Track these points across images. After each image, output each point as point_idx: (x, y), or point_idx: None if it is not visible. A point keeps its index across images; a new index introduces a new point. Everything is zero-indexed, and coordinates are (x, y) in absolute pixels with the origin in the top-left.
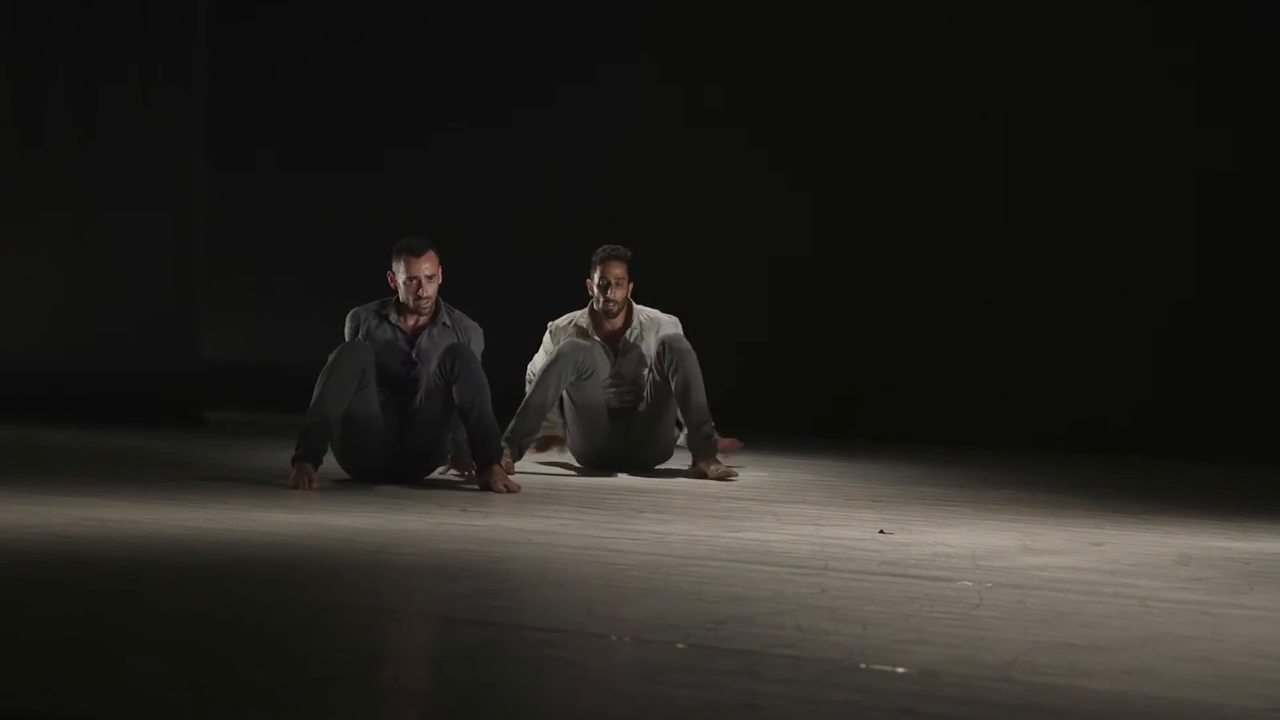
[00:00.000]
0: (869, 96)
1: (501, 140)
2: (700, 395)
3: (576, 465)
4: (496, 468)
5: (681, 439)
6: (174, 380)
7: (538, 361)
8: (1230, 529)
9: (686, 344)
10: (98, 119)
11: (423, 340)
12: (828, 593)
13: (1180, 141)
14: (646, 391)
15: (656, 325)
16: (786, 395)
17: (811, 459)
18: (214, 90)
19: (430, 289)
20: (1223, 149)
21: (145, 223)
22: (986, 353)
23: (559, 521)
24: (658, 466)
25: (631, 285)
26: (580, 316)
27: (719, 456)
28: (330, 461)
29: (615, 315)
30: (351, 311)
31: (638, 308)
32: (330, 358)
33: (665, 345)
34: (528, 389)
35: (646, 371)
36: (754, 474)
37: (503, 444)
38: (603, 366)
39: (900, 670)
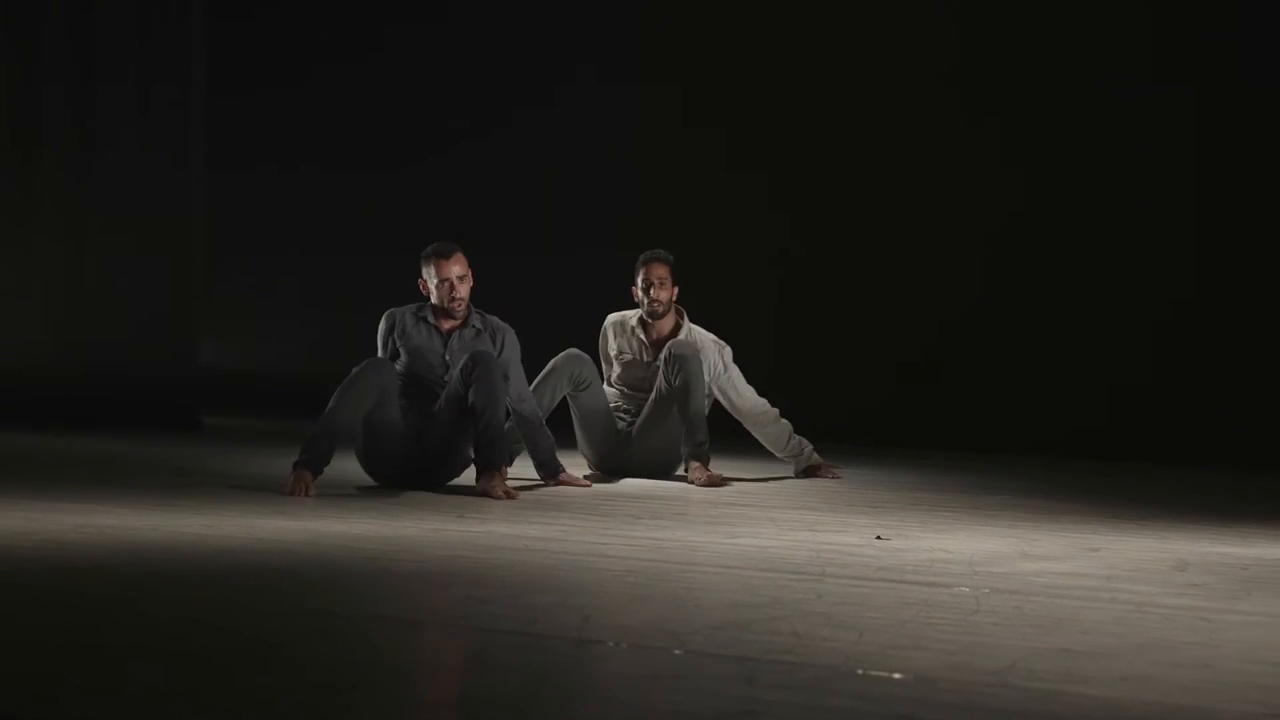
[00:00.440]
0: (866, 99)
1: (503, 144)
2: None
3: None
4: (496, 474)
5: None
6: (172, 386)
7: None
8: (1228, 534)
9: (694, 351)
10: (96, 122)
11: (454, 342)
12: (825, 599)
13: (1179, 142)
14: (650, 398)
15: (703, 343)
16: (782, 401)
17: None
18: (211, 94)
19: (463, 290)
20: (1220, 150)
21: (143, 227)
22: (984, 357)
23: (556, 528)
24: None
25: (675, 289)
26: (633, 316)
27: (818, 471)
28: (330, 470)
29: (661, 316)
30: (387, 311)
31: (692, 326)
32: (354, 370)
33: (670, 350)
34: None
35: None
36: (751, 480)
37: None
38: (637, 365)
39: (897, 676)
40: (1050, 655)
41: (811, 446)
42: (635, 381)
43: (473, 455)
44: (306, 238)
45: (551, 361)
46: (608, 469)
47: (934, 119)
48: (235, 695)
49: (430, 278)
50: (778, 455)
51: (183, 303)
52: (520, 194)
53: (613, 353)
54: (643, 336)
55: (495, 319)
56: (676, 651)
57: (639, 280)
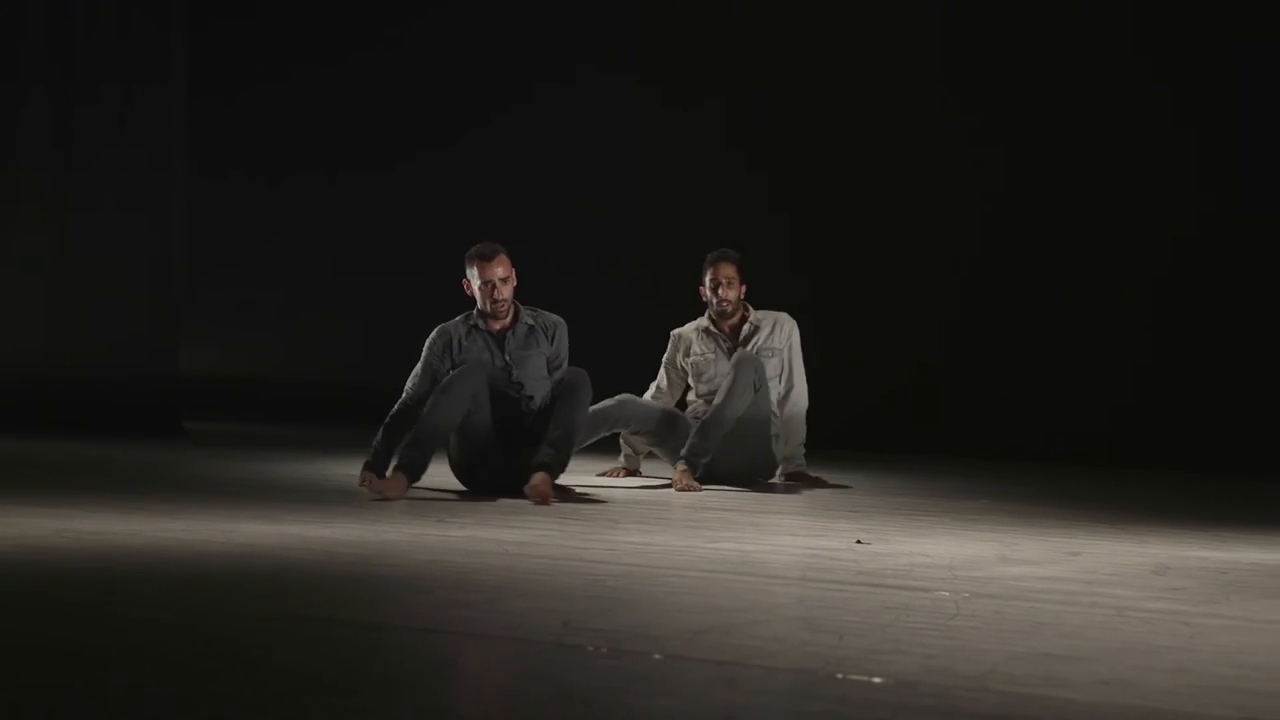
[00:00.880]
0: (856, 105)
1: (482, 150)
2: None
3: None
4: (545, 477)
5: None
6: (153, 390)
7: (663, 376)
8: (1207, 539)
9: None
10: (76, 125)
11: (509, 343)
12: (805, 603)
13: (1180, 141)
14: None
15: (774, 320)
16: None
17: None
18: (193, 102)
19: (505, 291)
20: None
21: (124, 234)
22: (965, 363)
23: (536, 532)
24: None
25: (744, 288)
26: (701, 321)
27: (804, 479)
28: (311, 473)
29: (731, 315)
30: (439, 328)
31: (754, 310)
32: (445, 381)
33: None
34: (650, 395)
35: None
36: (732, 485)
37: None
38: (723, 366)
39: (877, 680)
40: (1030, 659)
41: (804, 453)
42: (721, 372)
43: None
44: (287, 241)
45: (603, 405)
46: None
47: (913, 130)
48: (218, 700)
49: (474, 279)
50: (779, 451)
51: (163, 306)
52: (505, 203)
53: (691, 361)
54: (719, 336)
55: (547, 314)
56: (657, 656)
57: (706, 279)
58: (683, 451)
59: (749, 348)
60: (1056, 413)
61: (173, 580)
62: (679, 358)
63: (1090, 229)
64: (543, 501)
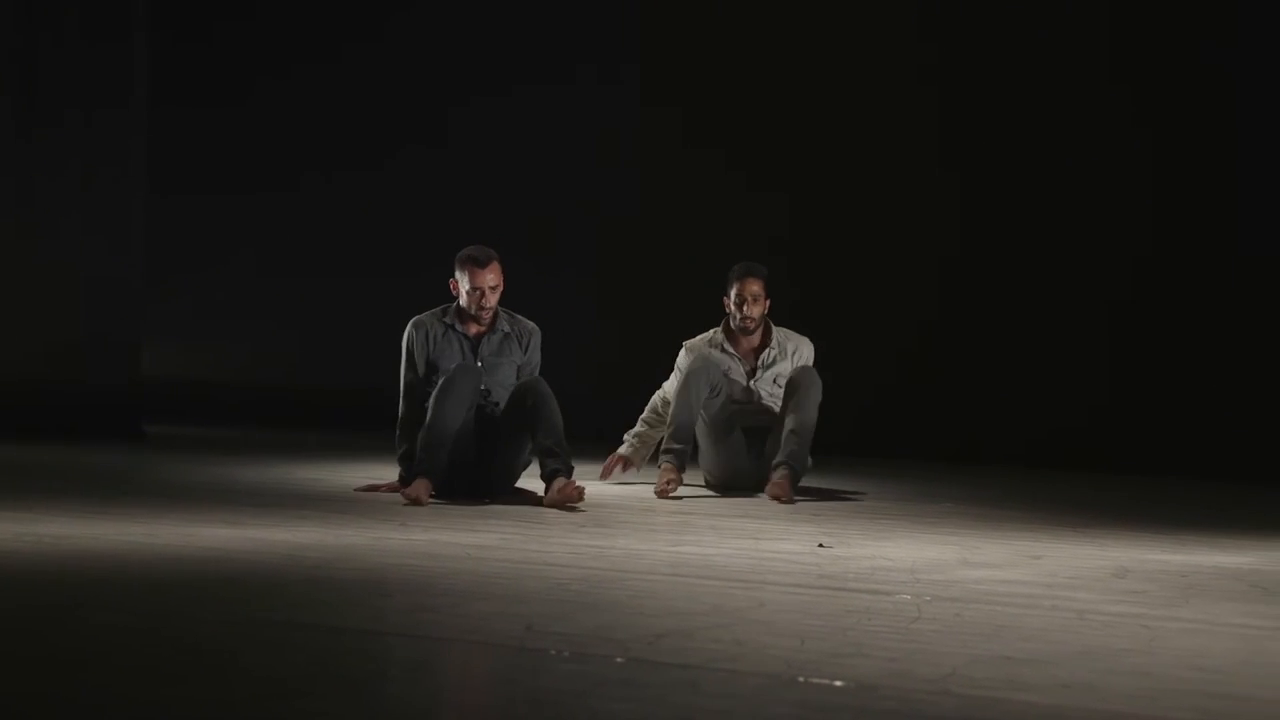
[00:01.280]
0: (838, 111)
1: (440, 159)
2: (811, 415)
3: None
4: (562, 481)
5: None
6: (114, 394)
7: (669, 386)
8: (1167, 542)
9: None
10: (37, 132)
11: (484, 348)
12: (767, 606)
13: (1177, 142)
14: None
15: (795, 346)
16: None
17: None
18: (153, 109)
19: (493, 300)
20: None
21: (86, 239)
22: (927, 366)
23: (498, 535)
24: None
25: (769, 303)
26: (716, 334)
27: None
28: (276, 477)
29: (752, 332)
30: (414, 320)
31: (776, 328)
32: (442, 381)
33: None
34: (651, 411)
35: (773, 396)
36: (694, 488)
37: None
38: (737, 385)
39: (838, 684)
40: (991, 662)
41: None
42: (738, 393)
43: (540, 470)
44: (248, 247)
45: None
46: (733, 484)
47: (888, 134)
48: (182, 704)
49: (463, 282)
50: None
51: (124, 311)
52: (468, 213)
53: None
54: (733, 351)
55: (523, 320)
56: (619, 659)
57: (732, 293)
58: (783, 458)
59: (765, 374)
60: (1020, 417)
61: (135, 584)
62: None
63: (1060, 235)
64: (578, 499)
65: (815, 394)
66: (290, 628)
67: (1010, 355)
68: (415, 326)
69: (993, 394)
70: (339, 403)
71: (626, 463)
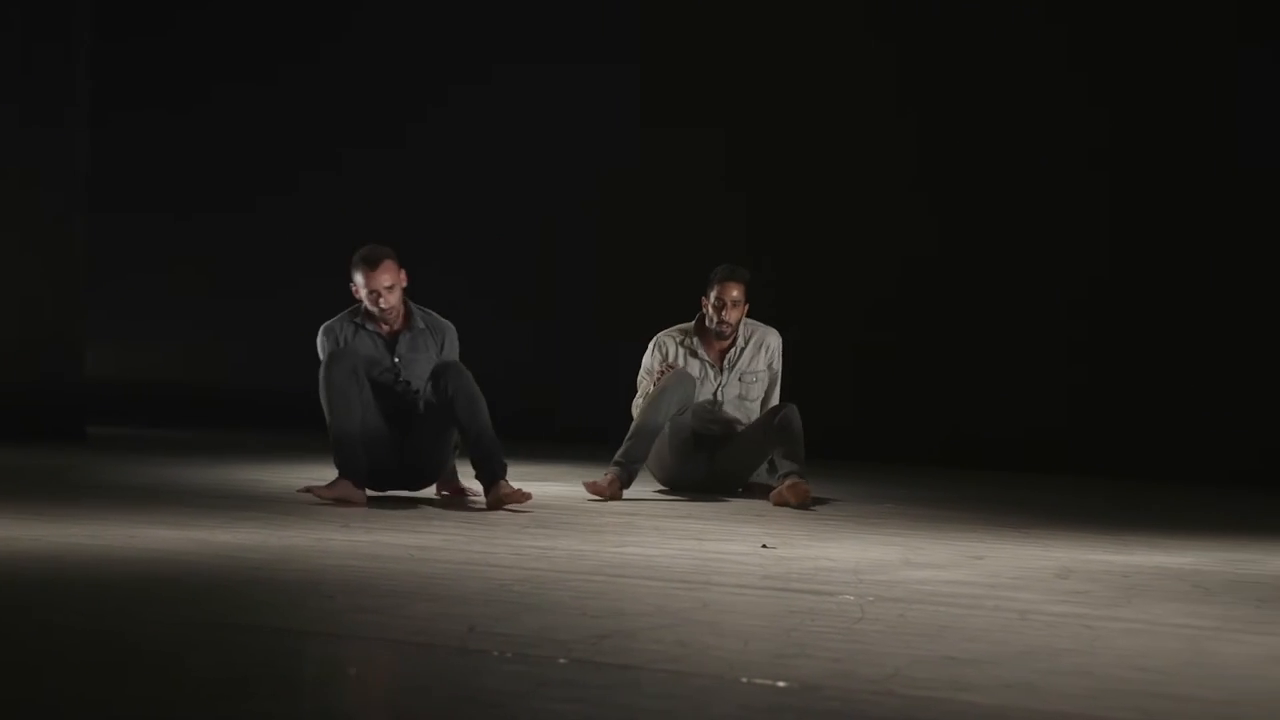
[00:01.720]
0: (813, 114)
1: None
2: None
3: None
4: (502, 483)
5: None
6: (55, 395)
7: (644, 381)
8: (1109, 543)
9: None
10: None
11: (401, 346)
12: (710, 607)
13: (1177, 141)
14: (745, 418)
15: (761, 340)
16: None
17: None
18: (94, 108)
19: (391, 299)
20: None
21: (24, 238)
22: (876, 366)
23: (441, 536)
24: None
25: (747, 307)
26: (689, 335)
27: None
28: (220, 478)
29: (727, 338)
30: (324, 326)
31: (751, 323)
32: (322, 376)
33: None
34: (636, 403)
35: (741, 396)
36: (639, 489)
37: (614, 467)
38: (704, 391)
39: (781, 684)
40: (934, 663)
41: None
42: (704, 399)
43: (475, 472)
44: (187, 245)
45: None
46: (682, 486)
47: (859, 131)
48: (125, 704)
49: (359, 285)
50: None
51: (65, 312)
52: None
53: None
54: (700, 351)
55: (436, 317)
56: (562, 660)
57: (711, 295)
58: (794, 467)
59: (734, 372)
60: (966, 418)
61: (76, 586)
62: (655, 365)
63: (1027, 240)
64: (521, 500)
65: (796, 429)
66: (233, 629)
67: (969, 357)
68: (325, 333)
69: (929, 394)
70: (281, 403)
71: (623, 485)
